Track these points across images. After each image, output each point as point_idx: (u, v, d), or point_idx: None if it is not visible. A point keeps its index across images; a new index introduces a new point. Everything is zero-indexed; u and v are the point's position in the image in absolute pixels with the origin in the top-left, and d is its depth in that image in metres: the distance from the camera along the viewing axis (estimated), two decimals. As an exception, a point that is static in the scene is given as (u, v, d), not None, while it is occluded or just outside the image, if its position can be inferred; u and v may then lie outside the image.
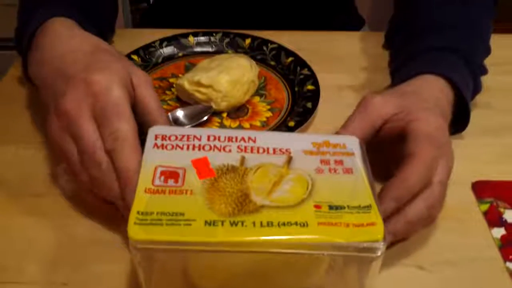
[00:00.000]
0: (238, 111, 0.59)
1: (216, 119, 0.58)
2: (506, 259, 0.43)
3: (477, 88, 0.55)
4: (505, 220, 0.46)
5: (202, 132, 0.44)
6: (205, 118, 0.57)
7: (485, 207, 0.48)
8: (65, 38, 0.48)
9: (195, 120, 0.56)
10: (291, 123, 0.55)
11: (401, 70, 0.56)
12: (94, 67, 0.43)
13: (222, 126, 0.57)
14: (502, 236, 0.45)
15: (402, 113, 0.45)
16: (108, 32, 0.66)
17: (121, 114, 0.41)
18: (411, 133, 0.43)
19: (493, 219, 0.46)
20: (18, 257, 0.43)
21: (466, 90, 0.51)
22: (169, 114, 0.57)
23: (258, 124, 0.57)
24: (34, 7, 0.54)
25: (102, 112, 0.41)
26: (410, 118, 0.44)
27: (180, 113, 0.57)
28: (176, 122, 0.56)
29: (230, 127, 0.57)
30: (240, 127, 0.57)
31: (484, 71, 0.57)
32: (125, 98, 0.42)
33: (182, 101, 0.59)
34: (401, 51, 0.60)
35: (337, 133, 0.45)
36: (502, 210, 0.47)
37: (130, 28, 0.83)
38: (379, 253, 0.35)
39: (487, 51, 0.59)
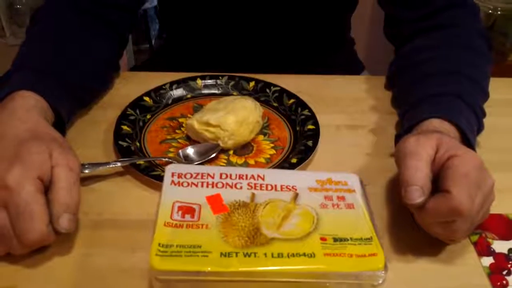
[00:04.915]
0: (244, 149, 0.63)
1: (223, 156, 0.62)
2: (494, 286, 0.47)
3: (480, 129, 0.61)
4: (493, 250, 0.50)
5: (215, 170, 0.48)
6: (213, 155, 0.61)
7: (474, 238, 0.52)
8: (12, 120, 0.52)
9: (204, 157, 0.60)
10: (294, 160, 0.59)
11: (408, 114, 0.61)
12: (16, 159, 0.46)
13: (228, 162, 0.61)
14: (491, 265, 0.49)
15: (442, 149, 0.48)
16: (90, 91, 0.68)
17: (32, 214, 0.44)
18: (450, 170, 0.46)
19: (482, 248, 0.50)
20: (41, 283, 0.46)
21: (471, 133, 0.56)
22: (180, 151, 0.61)
23: (263, 160, 0.61)
24: (14, 70, 0.60)
25: (15, 208, 0.44)
26: (449, 154, 0.47)
27: (190, 150, 0.61)
28: (186, 158, 0.60)
29: (236, 164, 0.61)
30: (245, 163, 0.61)
31: (484, 113, 0.62)
32: (36, 192, 0.45)
33: (192, 139, 0.64)
34: (408, 94, 0.65)
35: (405, 191, 0.46)
36: (490, 240, 0.51)
37: (138, 71, 0.87)
38: (380, 281, 0.39)
39: (486, 95, 0.64)
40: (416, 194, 0.45)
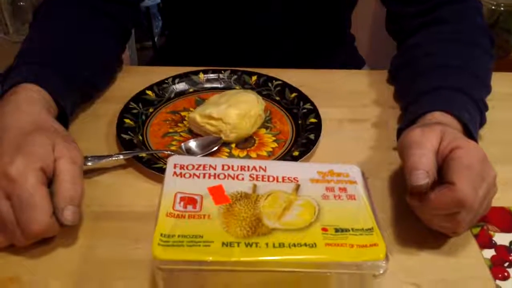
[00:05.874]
0: (246, 142, 0.63)
1: (226, 149, 0.62)
2: (496, 277, 0.47)
3: (482, 122, 0.61)
4: (495, 242, 0.50)
5: (217, 161, 0.48)
6: (215, 148, 0.61)
7: (476, 230, 0.52)
8: (16, 113, 0.52)
9: (206, 150, 0.61)
10: (296, 153, 0.59)
11: (411, 108, 0.61)
12: (19, 151, 0.46)
13: (231, 155, 0.61)
14: (492, 257, 0.49)
15: (445, 141, 0.49)
16: (93, 84, 0.68)
17: (35, 205, 0.45)
18: (454, 161, 0.46)
19: (484, 241, 0.50)
20: (44, 274, 0.46)
21: (473, 126, 0.55)
22: (182, 144, 0.61)
23: (265, 154, 0.61)
24: (17, 64, 0.60)
25: (18, 199, 0.45)
26: (452, 145, 0.47)
27: (192, 144, 0.61)
28: (188, 152, 0.60)
29: (238, 157, 0.61)
30: (247, 156, 0.61)
31: (487, 107, 0.62)
32: (40, 183, 0.45)
33: (194, 132, 0.64)
34: (410, 88, 0.65)
35: (410, 174, 0.46)
36: (492, 233, 0.51)
37: (143, 66, 0.88)
38: (381, 271, 0.39)
39: (488, 89, 0.64)
40: (421, 176, 0.45)
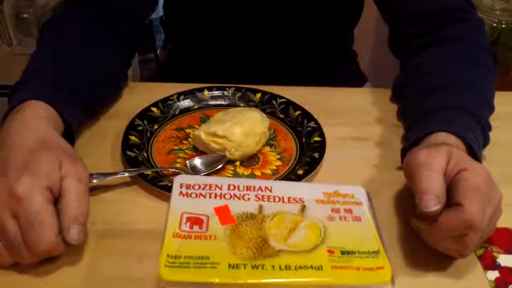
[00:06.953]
0: (250, 160, 0.64)
1: (230, 167, 0.62)
2: (500, 300, 0.47)
3: (486, 143, 0.61)
4: (499, 264, 0.50)
5: (223, 181, 0.49)
6: (220, 166, 0.61)
7: (480, 251, 0.52)
8: (22, 129, 0.52)
9: (211, 167, 0.61)
10: (300, 172, 0.60)
11: (415, 128, 0.61)
12: (26, 170, 0.46)
13: (235, 173, 0.61)
14: (496, 279, 0.49)
15: (452, 162, 0.49)
16: (100, 101, 0.69)
17: (42, 224, 0.45)
18: (461, 183, 0.47)
19: (488, 262, 0.50)
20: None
21: (477, 147, 0.56)
22: (187, 162, 0.61)
23: (269, 172, 0.61)
24: (24, 80, 0.60)
25: (24, 218, 0.45)
26: (459, 167, 0.48)
27: (197, 161, 0.61)
28: (193, 169, 0.61)
29: (243, 175, 0.61)
30: (252, 174, 0.61)
31: (490, 127, 0.62)
32: (46, 202, 0.45)
33: (199, 150, 0.64)
34: (414, 108, 0.65)
35: (421, 199, 0.46)
36: (496, 254, 0.51)
37: (147, 82, 0.88)
38: (387, 294, 0.39)
39: (491, 109, 0.65)
40: (432, 203, 0.45)
